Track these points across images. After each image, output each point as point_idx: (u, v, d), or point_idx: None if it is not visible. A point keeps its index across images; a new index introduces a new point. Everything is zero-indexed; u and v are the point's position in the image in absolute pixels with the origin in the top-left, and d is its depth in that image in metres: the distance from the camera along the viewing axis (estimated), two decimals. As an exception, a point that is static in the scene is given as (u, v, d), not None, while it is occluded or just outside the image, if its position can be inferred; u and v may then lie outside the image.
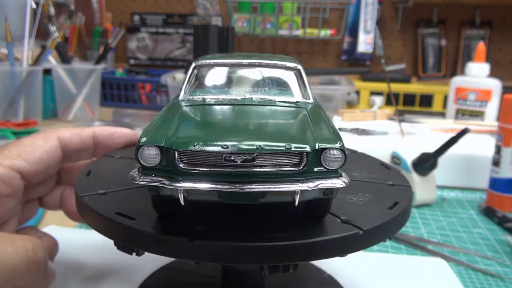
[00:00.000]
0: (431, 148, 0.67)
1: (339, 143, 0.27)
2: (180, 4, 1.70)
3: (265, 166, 0.26)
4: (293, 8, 1.47)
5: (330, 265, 0.48)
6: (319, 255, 0.29)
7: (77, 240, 0.52)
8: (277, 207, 0.30)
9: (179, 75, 1.20)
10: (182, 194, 0.27)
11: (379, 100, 1.38)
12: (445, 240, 0.58)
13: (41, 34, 1.15)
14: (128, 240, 0.29)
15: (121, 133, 0.45)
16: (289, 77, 0.39)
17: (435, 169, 0.67)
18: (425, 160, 0.67)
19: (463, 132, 0.65)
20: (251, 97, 0.36)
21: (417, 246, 0.56)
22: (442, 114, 1.25)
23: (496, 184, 0.69)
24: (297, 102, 0.37)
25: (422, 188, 0.68)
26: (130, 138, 0.46)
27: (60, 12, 1.43)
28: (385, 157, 0.71)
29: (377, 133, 0.88)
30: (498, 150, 0.69)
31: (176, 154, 0.26)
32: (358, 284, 0.46)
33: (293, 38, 1.58)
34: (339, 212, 0.31)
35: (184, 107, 0.34)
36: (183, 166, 0.27)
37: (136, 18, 1.69)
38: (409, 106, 1.39)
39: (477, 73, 1.05)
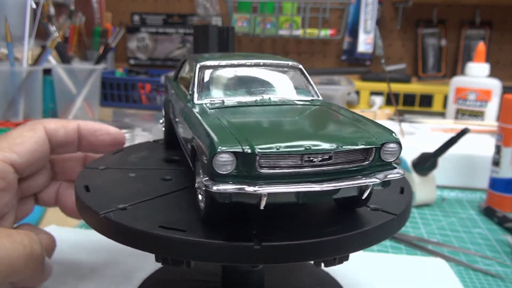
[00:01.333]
0: (431, 148, 0.67)
1: (396, 137, 0.29)
2: (180, 4, 1.70)
3: (338, 164, 0.28)
4: (293, 8, 1.47)
5: (330, 265, 0.48)
6: (368, 243, 0.30)
7: (77, 240, 0.52)
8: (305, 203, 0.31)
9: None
10: (265, 198, 0.26)
11: (379, 100, 1.38)
12: (445, 240, 0.58)
13: (41, 34, 1.14)
14: (184, 253, 0.28)
15: (106, 130, 0.44)
16: (294, 76, 0.40)
17: (435, 169, 0.67)
18: (425, 160, 0.67)
19: (463, 132, 0.65)
20: (269, 98, 0.36)
21: (417, 246, 0.56)
22: (442, 114, 1.25)
23: (496, 184, 0.69)
24: (312, 100, 0.38)
25: (422, 188, 0.68)
26: (116, 137, 0.45)
27: (60, 12, 1.43)
28: (385, 157, 0.71)
29: (377, 133, 0.88)
30: (498, 150, 0.69)
31: (257, 159, 0.26)
32: (358, 284, 0.46)
33: (293, 38, 1.58)
34: None
35: (211, 110, 0.33)
36: (262, 170, 0.27)
37: (136, 18, 1.69)
38: (409, 106, 1.39)
39: (477, 73, 1.05)
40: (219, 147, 0.26)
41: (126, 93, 1.41)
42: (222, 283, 0.39)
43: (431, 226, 0.63)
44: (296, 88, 0.39)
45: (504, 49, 1.53)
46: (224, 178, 0.26)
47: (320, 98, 0.38)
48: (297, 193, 0.27)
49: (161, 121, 0.50)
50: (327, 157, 0.27)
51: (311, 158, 0.27)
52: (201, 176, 0.28)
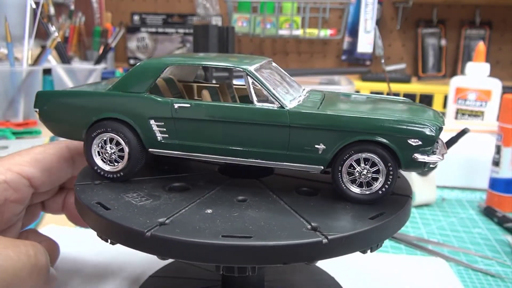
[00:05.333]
0: (431, 148, 0.67)
1: None
2: (180, 4, 1.70)
3: None
4: (293, 8, 1.47)
5: (330, 265, 0.48)
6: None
7: (76, 239, 0.52)
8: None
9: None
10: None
11: (379, 100, 1.38)
12: (445, 240, 0.58)
13: (41, 34, 1.15)
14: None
15: None
16: (280, 70, 0.41)
17: (435, 169, 0.67)
18: (425, 160, 0.67)
19: (463, 132, 0.65)
20: (308, 91, 0.39)
21: (417, 246, 0.56)
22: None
23: (496, 184, 0.68)
24: (310, 90, 0.40)
25: (422, 188, 0.68)
26: None
27: (60, 12, 1.43)
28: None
29: (377, 133, 0.88)
30: (498, 150, 0.68)
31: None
32: (358, 284, 0.46)
33: (293, 38, 1.58)
34: None
35: (322, 108, 0.34)
36: None
37: (136, 18, 1.69)
38: (409, 106, 1.39)
39: (477, 73, 1.04)
40: (437, 126, 0.32)
41: (126, 93, 1.41)
42: (222, 283, 0.39)
43: (431, 226, 0.62)
44: (293, 81, 0.40)
45: (504, 49, 1.53)
46: (431, 151, 0.32)
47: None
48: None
49: (108, 151, 0.36)
50: None
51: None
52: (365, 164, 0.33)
